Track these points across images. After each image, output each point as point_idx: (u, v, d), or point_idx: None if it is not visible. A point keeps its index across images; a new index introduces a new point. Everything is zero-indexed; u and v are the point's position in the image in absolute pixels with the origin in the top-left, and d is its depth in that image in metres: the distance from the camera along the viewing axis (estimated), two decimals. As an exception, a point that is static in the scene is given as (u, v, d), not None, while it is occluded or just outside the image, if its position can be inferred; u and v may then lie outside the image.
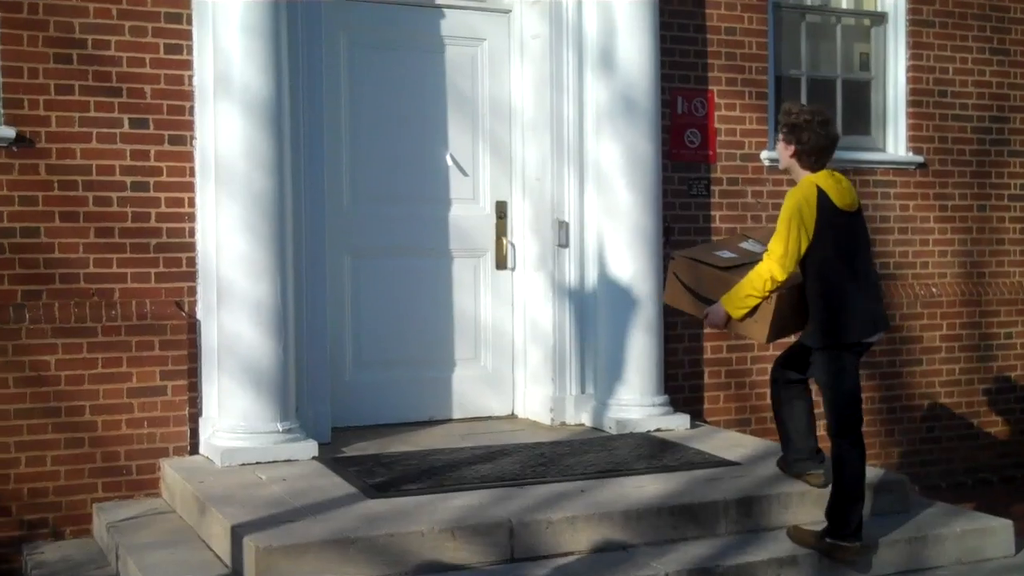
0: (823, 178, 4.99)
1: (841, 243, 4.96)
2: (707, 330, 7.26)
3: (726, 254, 5.38)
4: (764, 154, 7.40)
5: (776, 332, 5.14)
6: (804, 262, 4.97)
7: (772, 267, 4.95)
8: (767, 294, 5.00)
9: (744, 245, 5.45)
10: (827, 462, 5.30)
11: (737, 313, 5.10)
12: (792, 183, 5.17)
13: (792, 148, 5.02)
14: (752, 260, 5.20)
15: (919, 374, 8.04)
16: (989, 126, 8.30)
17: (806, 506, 5.39)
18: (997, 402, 8.32)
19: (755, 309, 5.07)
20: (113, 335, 5.88)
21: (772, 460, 5.75)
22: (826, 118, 5.08)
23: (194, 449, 6.03)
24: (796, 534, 5.17)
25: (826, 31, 8.02)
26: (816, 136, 4.99)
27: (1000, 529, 5.55)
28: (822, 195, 4.92)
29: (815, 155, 5.01)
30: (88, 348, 5.83)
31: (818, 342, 5.04)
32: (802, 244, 4.91)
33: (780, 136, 5.10)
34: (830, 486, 5.11)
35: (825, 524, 5.06)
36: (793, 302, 5.07)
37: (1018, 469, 8.34)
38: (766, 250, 5.06)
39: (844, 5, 8.04)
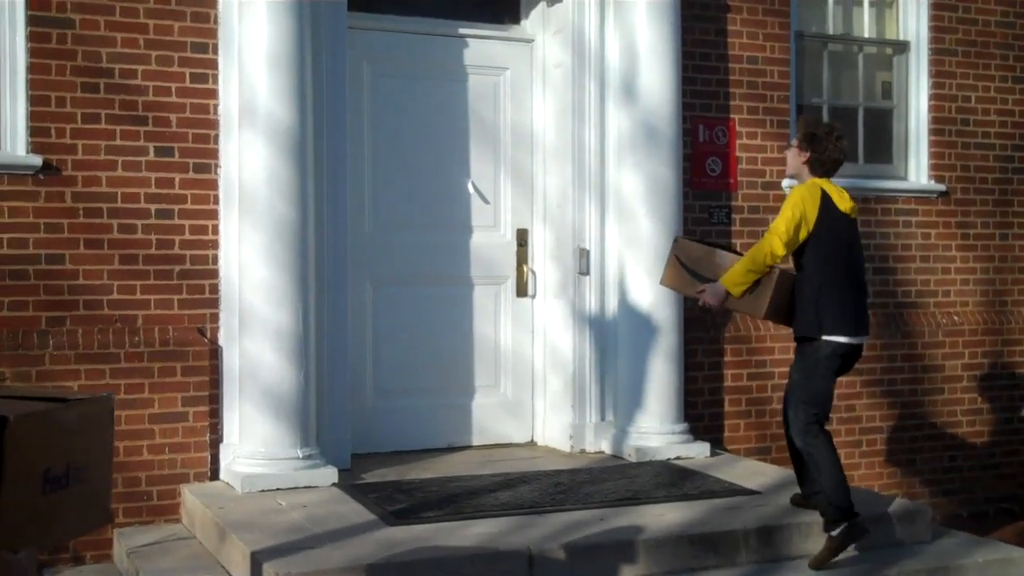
0: (826, 183, 5.33)
1: (839, 243, 5.25)
2: (727, 358, 7.27)
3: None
4: (785, 182, 7.40)
5: (773, 310, 5.34)
6: (802, 256, 5.25)
7: (773, 242, 5.19)
8: (767, 269, 5.24)
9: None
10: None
11: (737, 290, 5.30)
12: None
13: (807, 155, 5.32)
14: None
15: (941, 403, 8.00)
16: (1012, 154, 8.28)
17: (827, 536, 5.38)
18: (1019, 431, 8.26)
19: (754, 285, 5.30)
20: (136, 361, 5.92)
21: (793, 489, 5.73)
22: (841, 134, 5.42)
23: (215, 475, 6.06)
24: (817, 560, 5.21)
25: (848, 60, 8.03)
26: (833, 150, 5.32)
27: (1023, 559, 5.51)
28: (825, 195, 5.24)
29: (827, 166, 5.35)
30: (111, 374, 5.87)
31: (804, 332, 5.27)
32: (801, 230, 5.19)
33: (794, 143, 5.41)
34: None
35: (824, 526, 5.24)
36: (788, 289, 5.32)
37: (1042, 499, 8.29)
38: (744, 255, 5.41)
39: (866, 34, 8.05)
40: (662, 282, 5.84)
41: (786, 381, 5.59)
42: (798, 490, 5.64)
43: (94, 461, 3.03)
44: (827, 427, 5.37)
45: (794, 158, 5.41)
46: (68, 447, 2.90)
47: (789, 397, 5.46)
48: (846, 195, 5.35)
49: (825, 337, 5.22)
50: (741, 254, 5.50)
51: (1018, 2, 8.27)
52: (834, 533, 5.17)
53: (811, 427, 5.28)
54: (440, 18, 7.07)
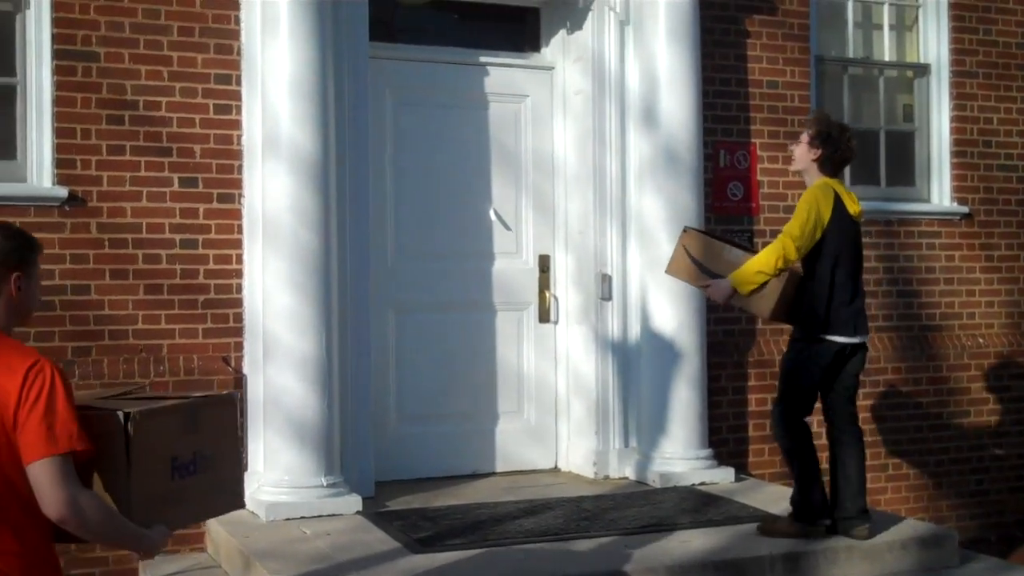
0: (837, 184, 5.42)
1: (848, 246, 5.37)
2: (751, 382, 7.25)
3: (736, 240, 5.76)
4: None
5: (777, 311, 5.43)
6: (813, 256, 5.32)
7: (787, 245, 5.23)
8: (777, 272, 5.26)
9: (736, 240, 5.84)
10: (871, 514, 5.49)
11: (746, 289, 5.32)
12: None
13: (818, 152, 5.39)
14: (755, 252, 5.49)
15: (967, 426, 7.95)
16: (1035, 176, 8.26)
17: (853, 560, 5.35)
18: (1048, 454, 8.21)
19: (763, 285, 5.33)
20: (161, 391, 5.95)
21: (819, 516, 5.70)
22: (853, 135, 5.52)
23: (240, 503, 6.07)
24: (767, 528, 5.50)
25: (869, 83, 8.03)
26: (845, 150, 5.43)
27: (1052, 586, 5.47)
28: (837, 198, 5.32)
29: (838, 166, 5.47)
30: (137, 403, 5.90)
31: (810, 331, 5.35)
32: (816, 232, 5.26)
33: (805, 139, 5.44)
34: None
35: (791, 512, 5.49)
36: (792, 289, 5.40)
37: (1071, 522, 8.21)
38: (753, 249, 5.54)
39: (887, 57, 8.05)
40: (667, 271, 5.81)
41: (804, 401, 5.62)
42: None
43: (221, 452, 3.45)
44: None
45: (804, 154, 5.45)
46: (193, 439, 3.31)
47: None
48: (854, 197, 5.46)
49: (830, 337, 5.32)
50: (750, 249, 5.55)
51: (1039, 23, 8.26)
52: (797, 524, 5.42)
53: (792, 420, 5.43)
54: (461, 47, 7.11)
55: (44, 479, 2.81)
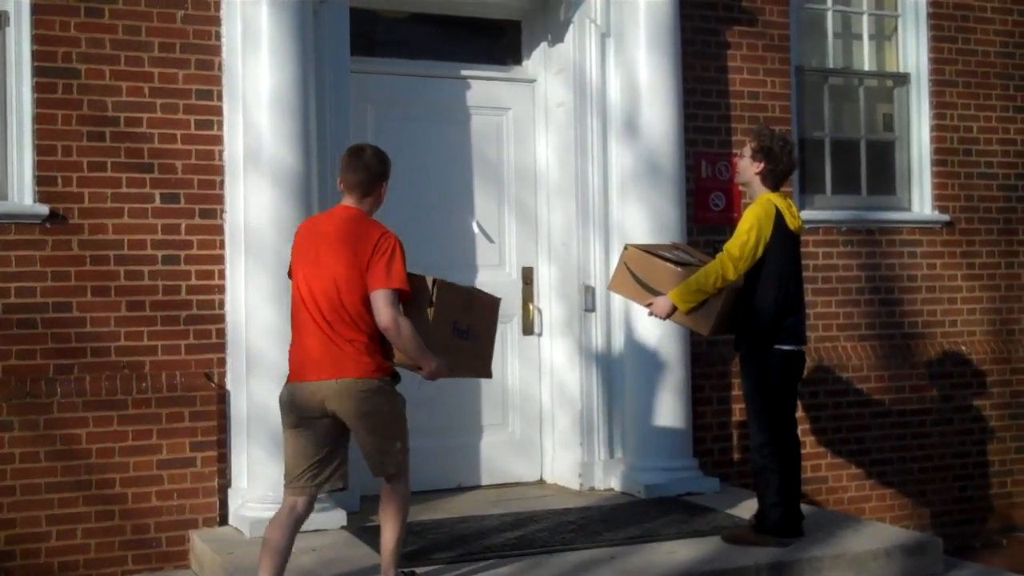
0: (779, 199, 5.53)
1: (789, 260, 5.52)
2: (735, 392, 7.26)
3: (680, 255, 5.77)
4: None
5: (717, 327, 5.56)
6: (757, 271, 5.44)
7: (726, 266, 5.37)
8: (715, 291, 5.40)
9: (680, 254, 5.84)
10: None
11: (685, 307, 5.45)
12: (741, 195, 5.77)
13: (761, 167, 5.53)
14: (699, 264, 5.57)
15: (950, 433, 7.98)
16: (1015, 183, 8.29)
17: (839, 569, 5.37)
18: (1031, 460, 8.25)
19: (702, 304, 5.41)
20: (143, 407, 5.94)
21: (806, 524, 5.70)
22: (793, 147, 5.69)
23: (223, 520, 6.05)
24: (731, 535, 5.57)
25: (849, 93, 8.07)
26: (787, 163, 5.58)
27: (1037, 593, 5.49)
28: (779, 215, 5.45)
29: (779, 178, 5.60)
30: (119, 421, 5.89)
31: (757, 345, 5.48)
32: (757, 252, 5.39)
33: (747, 153, 5.57)
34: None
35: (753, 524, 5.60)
36: (731, 304, 5.51)
37: (1054, 528, 8.25)
38: (697, 261, 5.58)
39: (866, 67, 8.09)
40: (610, 287, 6.00)
41: (788, 414, 5.65)
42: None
43: (482, 332, 5.00)
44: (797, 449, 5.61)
45: (747, 168, 5.59)
46: (468, 316, 4.89)
47: (746, 412, 5.71)
48: (795, 210, 5.60)
49: (777, 346, 5.46)
50: (694, 264, 5.60)
51: (1017, 32, 8.31)
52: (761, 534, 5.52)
53: (771, 441, 5.48)
54: (443, 60, 7.13)
55: (380, 302, 4.53)
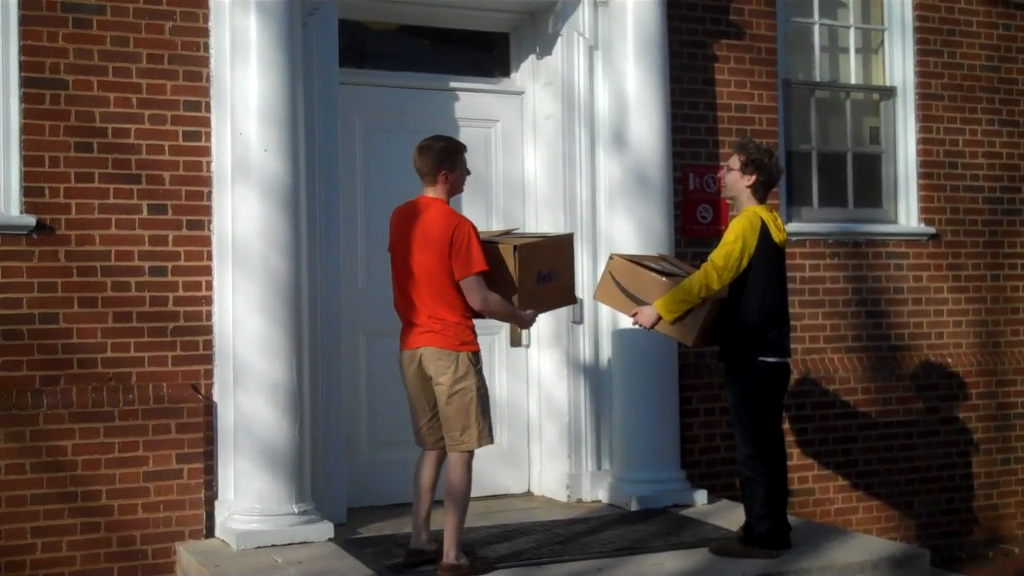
0: (764, 212, 5.57)
1: (773, 273, 5.54)
2: (722, 403, 7.26)
3: (666, 266, 5.81)
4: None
5: (701, 338, 5.58)
6: (741, 283, 5.47)
7: (711, 276, 5.41)
8: (699, 301, 5.43)
9: (666, 264, 5.88)
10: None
11: (670, 316, 5.49)
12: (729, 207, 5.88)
13: (752, 179, 5.57)
14: (684, 275, 5.58)
15: (937, 444, 8.00)
16: (1000, 196, 8.34)
17: (826, 582, 5.38)
18: (1016, 471, 8.26)
19: (686, 314, 5.47)
20: (130, 419, 5.92)
21: (793, 536, 5.71)
22: (777, 156, 5.78)
23: (210, 532, 6.03)
24: (720, 547, 5.57)
25: (836, 106, 8.10)
26: (775, 173, 5.66)
27: (1023, 605, 5.51)
28: (764, 227, 5.48)
29: (767, 188, 5.65)
30: (105, 432, 5.87)
31: (741, 357, 5.50)
32: (742, 263, 5.42)
33: (735, 166, 5.60)
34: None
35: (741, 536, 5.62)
36: (715, 315, 5.54)
37: (1040, 540, 8.27)
38: (683, 272, 5.62)
39: (853, 81, 8.13)
40: (596, 297, 6.06)
41: (775, 426, 5.66)
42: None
43: (562, 270, 5.62)
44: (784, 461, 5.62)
45: (736, 181, 5.62)
46: (548, 261, 5.50)
47: (732, 424, 5.71)
48: (780, 223, 5.65)
49: (762, 358, 5.49)
50: (679, 275, 5.63)
51: (1002, 46, 8.36)
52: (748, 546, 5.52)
53: (758, 453, 5.50)
54: (431, 72, 7.14)
55: (470, 288, 5.16)
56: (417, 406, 5.38)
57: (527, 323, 5.46)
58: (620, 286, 5.73)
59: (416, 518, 5.41)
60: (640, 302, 5.62)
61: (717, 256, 5.44)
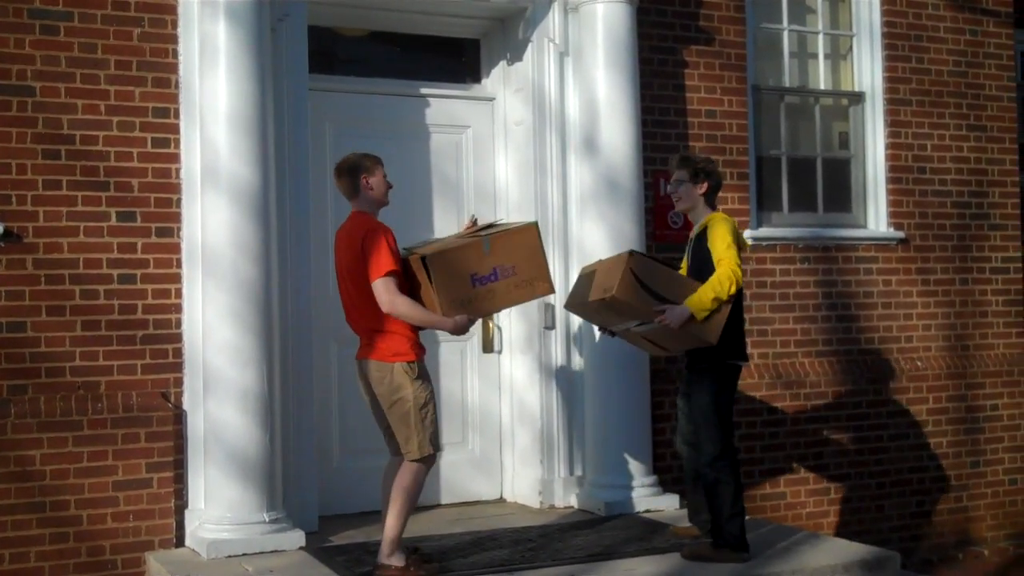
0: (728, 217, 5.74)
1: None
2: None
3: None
4: (747, 233, 7.46)
5: (720, 337, 5.53)
6: None
7: (736, 271, 5.44)
8: (728, 298, 5.44)
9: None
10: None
11: (701, 315, 5.42)
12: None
13: (704, 186, 5.74)
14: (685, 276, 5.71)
15: (907, 448, 8.05)
16: (968, 200, 8.40)
17: (799, 586, 5.40)
18: (986, 474, 8.32)
19: (713, 312, 5.47)
20: (99, 428, 5.87)
21: (765, 540, 5.74)
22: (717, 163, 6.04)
23: (180, 541, 5.99)
24: (691, 552, 5.61)
25: (805, 111, 8.15)
26: (720, 179, 5.90)
27: (992, 607, 5.54)
28: (738, 231, 5.68)
29: (716, 194, 5.83)
30: (74, 442, 5.82)
31: (715, 361, 5.60)
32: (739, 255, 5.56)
33: (685, 178, 5.73)
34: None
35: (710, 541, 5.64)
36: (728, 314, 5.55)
37: (1009, 541, 8.32)
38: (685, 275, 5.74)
39: (822, 86, 8.17)
40: (616, 294, 5.42)
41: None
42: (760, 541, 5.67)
43: (521, 262, 5.40)
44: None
45: (690, 192, 5.76)
46: (490, 260, 5.31)
47: (698, 427, 5.69)
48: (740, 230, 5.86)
49: (729, 361, 5.64)
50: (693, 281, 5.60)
51: (969, 51, 8.43)
52: (719, 549, 5.56)
53: (724, 454, 5.57)
54: (401, 79, 7.14)
55: (377, 292, 5.14)
56: (375, 415, 5.46)
57: (456, 329, 5.30)
58: (643, 284, 5.47)
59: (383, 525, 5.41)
60: (664, 300, 5.46)
61: (727, 254, 5.45)
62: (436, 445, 5.32)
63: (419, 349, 5.32)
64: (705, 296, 5.40)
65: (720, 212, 5.77)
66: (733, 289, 5.41)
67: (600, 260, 6.06)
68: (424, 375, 5.32)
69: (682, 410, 5.98)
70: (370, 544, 5.92)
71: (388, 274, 5.13)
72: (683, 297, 5.43)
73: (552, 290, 5.69)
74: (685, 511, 6.69)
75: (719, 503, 5.54)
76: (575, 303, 5.94)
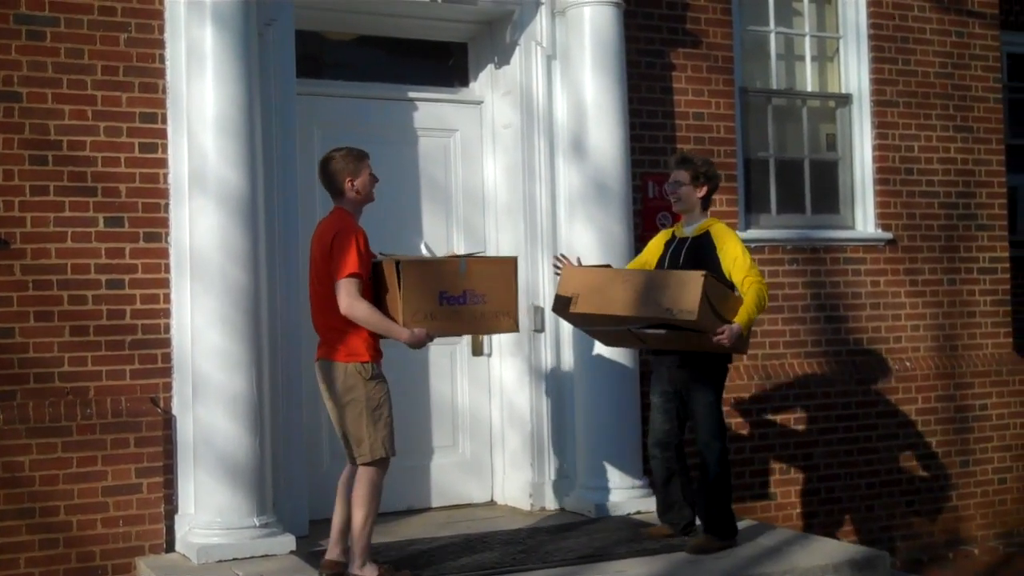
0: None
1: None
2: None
3: None
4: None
5: None
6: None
7: (764, 285, 5.63)
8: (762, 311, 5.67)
9: None
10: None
11: (746, 331, 5.58)
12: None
13: (703, 190, 5.85)
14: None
15: (896, 448, 8.07)
16: (956, 201, 8.43)
17: (789, 587, 5.41)
18: (975, 473, 8.34)
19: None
20: (88, 433, 5.86)
21: (755, 540, 5.76)
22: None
23: (170, 546, 5.98)
24: (695, 547, 5.72)
25: (792, 113, 8.17)
26: (719, 182, 6.02)
27: (981, 606, 5.56)
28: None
29: (712, 195, 5.97)
30: (63, 447, 5.81)
31: (718, 361, 5.78)
32: None
33: (686, 179, 5.84)
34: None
35: (705, 528, 5.81)
36: None
37: (999, 540, 8.34)
38: None
39: (809, 88, 8.19)
40: (695, 317, 5.31)
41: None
42: (748, 538, 5.71)
43: (493, 292, 5.33)
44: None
45: (690, 194, 5.86)
46: (463, 282, 5.25)
47: (701, 425, 5.79)
48: None
49: (729, 364, 5.90)
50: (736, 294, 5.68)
51: (955, 53, 8.46)
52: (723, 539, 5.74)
53: (726, 448, 5.82)
54: (389, 83, 7.14)
55: (338, 292, 5.07)
56: (332, 418, 5.32)
57: (412, 341, 5.16)
58: (712, 306, 5.40)
59: (332, 529, 5.37)
60: (723, 320, 5.46)
61: (752, 270, 5.61)
62: (389, 449, 5.19)
63: (376, 352, 5.20)
64: (752, 315, 5.56)
65: (716, 220, 5.92)
66: (765, 305, 5.62)
67: (588, 267, 6.04)
68: (380, 377, 5.20)
69: (660, 408, 5.97)
70: (360, 548, 5.91)
71: (351, 275, 5.05)
72: (729, 311, 5.50)
73: (516, 328, 5.53)
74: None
75: (723, 496, 5.73)
76: (577, 316, 5.91)
